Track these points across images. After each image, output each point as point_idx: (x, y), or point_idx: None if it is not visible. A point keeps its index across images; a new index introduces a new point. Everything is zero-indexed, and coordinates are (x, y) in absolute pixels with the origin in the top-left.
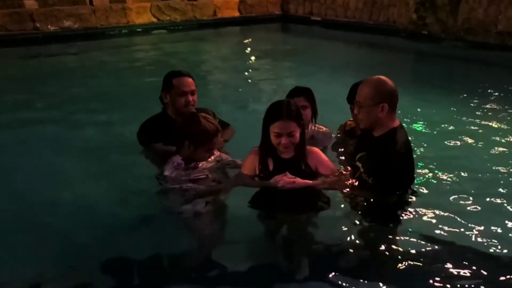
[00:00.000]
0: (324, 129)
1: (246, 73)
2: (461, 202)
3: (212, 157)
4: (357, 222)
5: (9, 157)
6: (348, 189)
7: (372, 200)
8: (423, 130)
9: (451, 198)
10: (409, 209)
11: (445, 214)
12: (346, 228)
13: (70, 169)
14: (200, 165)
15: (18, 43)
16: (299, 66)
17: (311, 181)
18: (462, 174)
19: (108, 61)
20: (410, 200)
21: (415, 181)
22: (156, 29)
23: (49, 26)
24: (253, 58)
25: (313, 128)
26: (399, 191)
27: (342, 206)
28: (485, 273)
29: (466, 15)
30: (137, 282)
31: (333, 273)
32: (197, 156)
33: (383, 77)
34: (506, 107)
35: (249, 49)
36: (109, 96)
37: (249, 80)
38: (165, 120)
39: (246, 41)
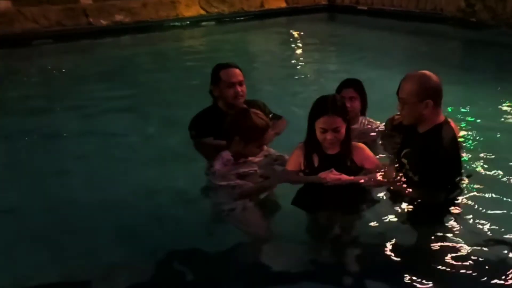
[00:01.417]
0: (375, 122)
1: (294, 65)
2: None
3: (261, 153)
4: (403, 221)
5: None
6: (394, 187)
7: (418, 198)
8: (472, 122)
9: (502, 196)
10: (457, 208)
11: (495, 213)
12: (391, 228)
13: (123, 158)
14: (249, 160)
15: (72, 37)
16: (346, 57)
17: (357, 178)
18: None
19: (159, 54)
20: (458, 198)
21: (464, 178)
22: (205, 21)
23: (101, 21)
24: (300, 49)
25: (363, 121)
26: (446, 188)
27: (388, 204)
28: None
29: None
30: (190, 278)
31: (378, 273)
32: (247, 152)
33: (427, 72)
34: None
35: (296, 40)
36: (160, 90)
37: (297, 72)
38: (215, 113)
39: (293, 32)
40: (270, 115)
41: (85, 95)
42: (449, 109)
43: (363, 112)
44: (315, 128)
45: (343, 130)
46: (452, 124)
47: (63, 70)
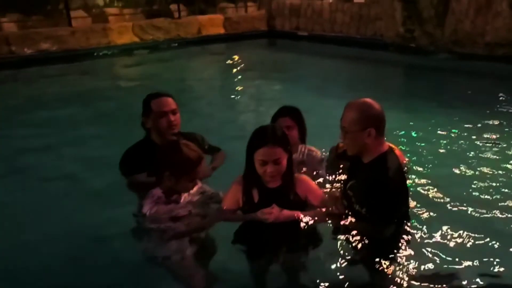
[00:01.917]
0: (316, 151)
1: (233, 93)
2: (460, 226)
3: (195, 189)
4: (351, 258)
5: None
6: (340, 221)
7: (366, 232)
8: (416, 148)
9: (451, 223)
10: (406, 239)
11: (445, 242)
12: (339, 265)
13: (44, 203)
14: (182, 199)
15: None
16: (287, 83)
17: (300, 213)
18: (458, 192)
19: (88, 85)
20: (406, 229)
21: (410, 206)
22: (139, 49)
23: (25, 49)
24: (239, 76)
25: (303, 150)
26: (394, 220)
27: (335, 239)
28: None
29: (453, 26)
30: None
31: None
32: (180, 187)
33: (368, 100)
34: (498, 117)
35: (235, 67)
36: (89, 122)
37: (236, 101)
38: (148, 147)
39: (232, 58)
40: (206, 147)
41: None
42: (392, 134)
43: (302, 140)
44: (254, 161)
45: (284, 162)
46: (397, 151)
47: None
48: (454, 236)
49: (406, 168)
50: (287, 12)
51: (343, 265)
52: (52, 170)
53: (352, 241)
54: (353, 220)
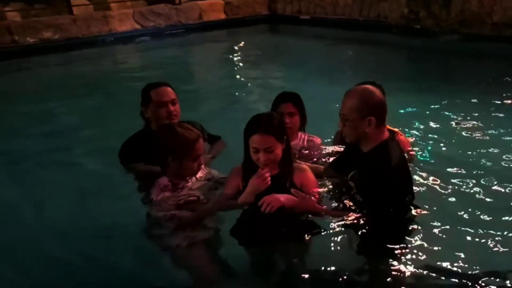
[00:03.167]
0: (315, 138)
1: (234, 79)
2: (468, 216)
3: (203, 174)
4: (353, 249)
5: None
6: (342, 215)
7: (366, 223)
8: (421, 133)
9: (455, 212)
10: (409, 230)
11: (452, 234)
12: (339, 258)
13: (49, 194)
14: (189, 184)
15: None
16: (289, 68)
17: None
18: (465, 181)
19: (89, 73)
20: (410, 219)
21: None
22: (140, 36)
23: (28, 38)
24: (241, 62)
25: (303, 137)
26: (397, 210)
27: (336, 231)
28: None
29: (460, 7)
30: None
31: None
32: (185, 170)
33: (370, 87)
34: (507, 100)
35: (237, 52)
36: (91, 112)
37: (237, 87)
38: (148, 137)
39: (234, 44)
40: (206, 136)
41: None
42: (396, 119)
43: (302, 127)
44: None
45: (277, 151)
46: (402, 137)
47: None
48: (459, 230)
49: (411, 155)
50: None
51: (341, 257)
52: (53, 159)
53: (354, 232)
54: (353, 211)
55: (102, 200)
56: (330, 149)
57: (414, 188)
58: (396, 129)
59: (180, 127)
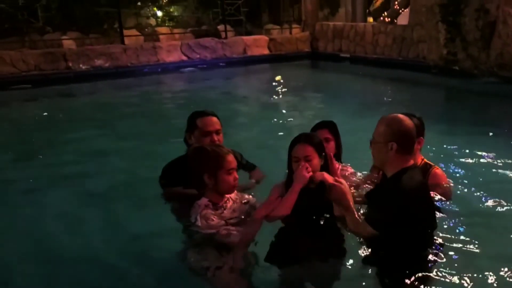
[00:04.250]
0: (350, 169)
1: (275, 111)
2: (498, 262)
3: (237, 198)
4: (374, 271)
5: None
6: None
7: (385, 248)
8: (454, 171)
9: (483, 250)
10: (429, 263)
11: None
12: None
13: (87, 216)
14: (228, 204)
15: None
16: (327, 101)
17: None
18: (496, 225)
19: (138, 100)
20: (432, 251)
21: (438, 230)
22: (186, 67)
23: (81, 65)
24: (282, 95)
25: (337, 166)
26: (413, 238)
27: (360, 252)
28: None
29: (499, 50)
30: None
31: None
32: (222, 185)
33: (400, 115)
34: None
35: (278, 86)
36: (135, 137)
37: (278, 119)
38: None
39: (275, 78)
40: (244, 162)
41: (59, 141)
42: (432, 156)
43: (338, 158)
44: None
45: (315, 161)
46: (438, 170)
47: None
48: (482, 273)
49: (446, 188)
50: (330, 34)
51: (366, 277)
52: (97, 181)
53: (374, 255)
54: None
55: (138, 222)
56: (363, 179)
57: (446, 222)
58: (431, 163)
59: (209, 146)
